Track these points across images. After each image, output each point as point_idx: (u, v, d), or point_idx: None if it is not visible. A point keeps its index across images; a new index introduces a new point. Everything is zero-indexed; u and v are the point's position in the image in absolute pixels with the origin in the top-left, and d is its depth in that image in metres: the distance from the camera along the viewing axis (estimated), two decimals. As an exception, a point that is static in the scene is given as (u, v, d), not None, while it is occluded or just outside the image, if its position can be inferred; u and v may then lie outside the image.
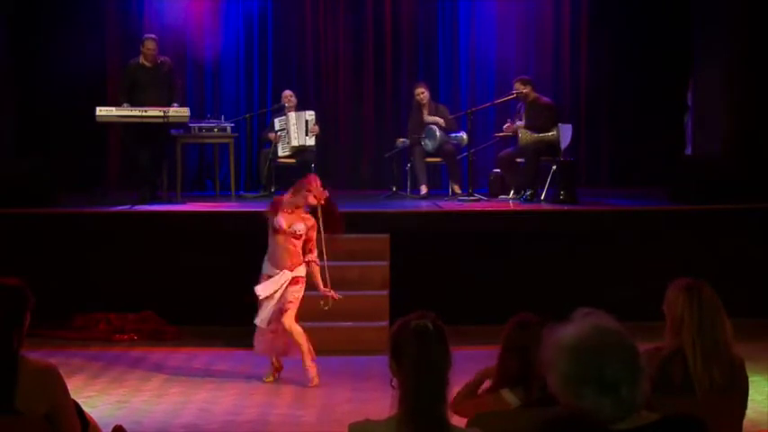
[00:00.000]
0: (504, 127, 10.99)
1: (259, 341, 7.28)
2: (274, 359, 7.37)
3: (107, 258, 9.12)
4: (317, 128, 11.20)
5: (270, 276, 7.16)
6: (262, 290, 7.16)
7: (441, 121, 11.05)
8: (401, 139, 11.25)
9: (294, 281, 7.13)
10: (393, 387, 2.99)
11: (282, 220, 7.12)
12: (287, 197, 7.23)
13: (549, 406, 3.43)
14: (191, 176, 12.10)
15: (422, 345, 2.95)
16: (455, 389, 3.01)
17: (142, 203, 9.98)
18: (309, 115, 11.23)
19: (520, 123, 10.73)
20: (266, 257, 7.23)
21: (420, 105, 11.24)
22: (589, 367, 2.47)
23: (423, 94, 11.21)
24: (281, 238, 7.12)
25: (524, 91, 10.70)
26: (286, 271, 7.12)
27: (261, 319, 7.20)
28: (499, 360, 3.68)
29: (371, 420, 3.09)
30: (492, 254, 9.15)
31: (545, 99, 10.90)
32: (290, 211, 7.15)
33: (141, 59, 10.65)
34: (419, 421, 2.91)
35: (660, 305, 4.03)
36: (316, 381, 7.16)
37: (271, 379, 7.34)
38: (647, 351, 2.88)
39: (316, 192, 7.14)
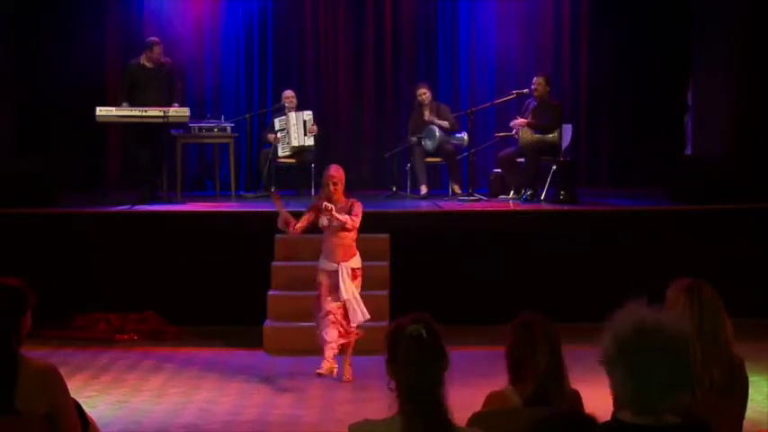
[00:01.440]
0: (513, 123, 10.86)
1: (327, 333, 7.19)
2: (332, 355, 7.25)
3: (107, 258, 9.12)
4: (315, 128, 11.21)
5: (326, 270, 7.23)
6: (347, 293, 7.20)
7: (445, 123, 11.05)
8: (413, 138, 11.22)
9: (353, 274, 7.27)
10: (391, 389, 3.00)
11: (324, 218, 7.20)
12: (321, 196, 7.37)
13: (548, 405, 3.44)
14: (191, 176, 12.09)
15: (417, 351, 2.97)
16: (452, 389, 3.02)
17: (142, 203, 9.98)
18: (307, 115, 11.24)
19: (522, 120, 10.67)
20: (321, 254, 7.32)
21: (421, 106, 11.24)
22: (635, 358, 2.46)
23: (425, 94, 11.21)
24: (330, 232, 7.22)
25: (546, 89, 10.68)
26: (342, 264, 7.22)
27: (363, 315, 7.23)
28: (505, 357, 3.68)
29: (370, 420, 3.11)
30: (492, 254, 9.15)
31: (555, 101, 10.90)
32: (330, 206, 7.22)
33: (142, 60, 10.64)
34: (416, 423, 2.93)
35: (660, 305, 4.02)
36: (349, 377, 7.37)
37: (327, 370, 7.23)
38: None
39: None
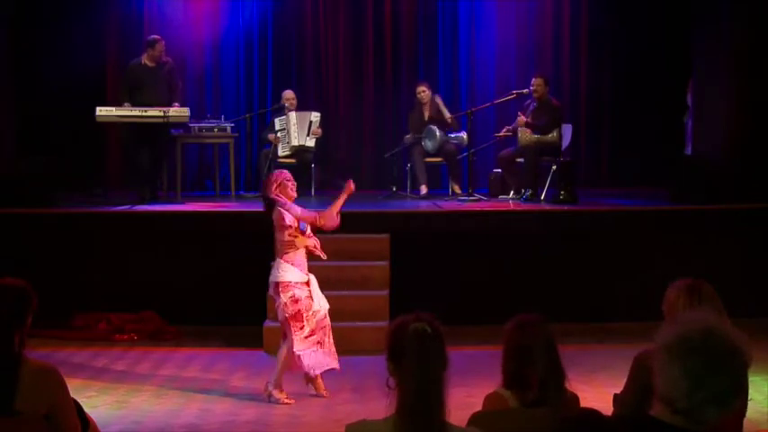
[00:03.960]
0: (517, 122, 10.78)
1: (311, 356, 6.83)
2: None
3: (107, 258, 9.12)
4: (319, 130, 11.20)
5: (302, 282, 6.81)
6: (320, 304, 6.86)
7: (448, 117, 11.06)
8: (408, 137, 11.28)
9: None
10: (389, 387, 2.99)
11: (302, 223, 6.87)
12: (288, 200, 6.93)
13: (546, 406, 3.44)
14: (191, 176, 12.10)
15: (420, 347, 2.95)
16: (451, 389, 3.01)
17: (142, 203, 9.99)
18: (315, 116, 11.23)
19: (522, 119, 10.68)
20: (287, 266, 6.79)
21: (421, 104, 11.26)
22: (693, 359, 2.41)
23: (424, 92, 11.23)
24: (301, 240, 6.85)
25: (545, 89, 10.66)
26: (311, 275, 6.91)
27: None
28: (502, 360, 3.68)
29: (368, 420, 3.10)
30: (492, 254, 9.15)
31: (555, 101, 10.90)
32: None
33: (143, 59, 10.64)
34: (416, 422, 2.92)
35: (660, 305, 4.03)
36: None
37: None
38: (648, 351, 2.86)
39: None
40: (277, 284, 6.79)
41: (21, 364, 3.58)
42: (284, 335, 6.87)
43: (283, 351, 6.83)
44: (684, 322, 2.48)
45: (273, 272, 6.85)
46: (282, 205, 6.81)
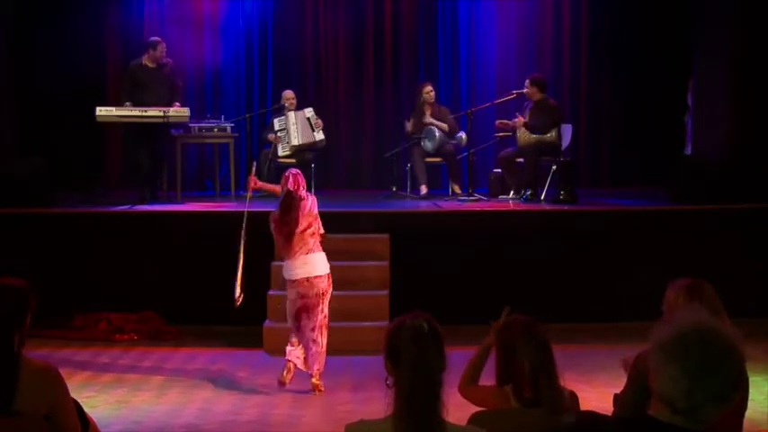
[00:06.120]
0: (513, 121, 10.81)
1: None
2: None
3: (107, 258, 9.12)
4: (320, 121, 11.18)
5: None
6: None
7: (445, 126, 11.05)
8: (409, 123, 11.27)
9: None
10: (388, 386, 3.00)
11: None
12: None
13: (542, 406, 3.45)
14: (191, 176, 12.10)
15: (418, 346, 2.96)
16: (451, 389, 3.01)
17: (142, 203, 9.99)
18: (309, 112, 11.21)
19: (520, 119, 10.68)
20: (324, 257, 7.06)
21: (424, 105, 11.23)
22: (692, 356, 2.38)
23: (432, 92, 11.23)
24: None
25: (529, 90, 10.66)
26: None
27: None
28: (495, 360, 3.70)
29: (366, 420, 3.10)
30: (492, 254, 9.15)
31: (553, 101, 10.88)
32: None
33: (144, 60, 10.64)
34: (414, 421, 2.92)
35: (660, 305, 4.03)
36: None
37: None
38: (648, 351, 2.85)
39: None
40: (329, 275, 7.00)
41: (21, 364, 3.58)
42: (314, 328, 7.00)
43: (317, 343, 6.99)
44: (678, 321, 2.47)
45: (321, 265, 6.99)
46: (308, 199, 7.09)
